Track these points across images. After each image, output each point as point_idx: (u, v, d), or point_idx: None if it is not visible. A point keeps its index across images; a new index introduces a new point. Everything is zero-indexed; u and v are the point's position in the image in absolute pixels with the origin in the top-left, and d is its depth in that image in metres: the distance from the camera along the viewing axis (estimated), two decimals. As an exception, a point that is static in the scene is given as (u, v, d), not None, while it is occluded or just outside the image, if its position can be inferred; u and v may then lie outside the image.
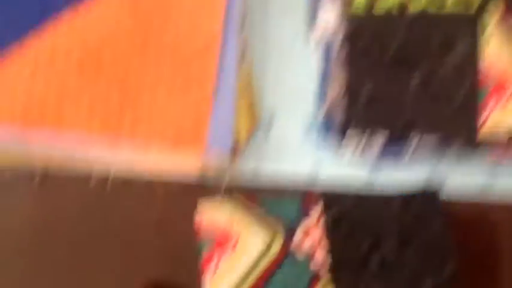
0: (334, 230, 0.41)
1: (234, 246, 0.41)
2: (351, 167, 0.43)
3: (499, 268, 0.42)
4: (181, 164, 0.42)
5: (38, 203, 0.44)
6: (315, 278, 0.41)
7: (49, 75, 0.42)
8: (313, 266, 0.41)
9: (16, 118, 0.41)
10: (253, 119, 0.44)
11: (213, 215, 0.42)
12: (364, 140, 0.42)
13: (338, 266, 0.40)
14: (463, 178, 0.43)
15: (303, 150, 0.44)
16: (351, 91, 0.42)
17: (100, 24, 0.42)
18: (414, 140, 0.41)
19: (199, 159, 0.42)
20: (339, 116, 0.42)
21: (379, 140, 0.42)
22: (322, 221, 0.41)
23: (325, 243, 0.41)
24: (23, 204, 0.44)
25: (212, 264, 0.41)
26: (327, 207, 0.42)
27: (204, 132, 0.42)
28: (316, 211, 0.42)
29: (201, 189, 0.43)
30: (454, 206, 0.42)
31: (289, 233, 0.41)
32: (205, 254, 0.41)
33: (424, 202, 0.41)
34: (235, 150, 0.42)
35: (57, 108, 0.41)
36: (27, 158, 0.42)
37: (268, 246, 0.41)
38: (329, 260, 0.40)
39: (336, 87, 0.42)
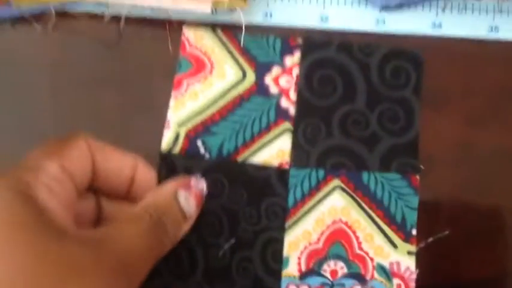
0: (308, 76, 0.40)
1: (210, 72, 0.41)
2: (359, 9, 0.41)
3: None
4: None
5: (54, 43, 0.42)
6: (282, 114, 0.39)
7: None
8: (284, 103, 0.40)
9: None
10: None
11: (196, 41, 0.41)
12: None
13: (303, 114, 0.39)
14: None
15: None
16: None
17: None
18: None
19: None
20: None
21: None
22: (300, 65, 0.40)
23: (298, 87, 0.40)
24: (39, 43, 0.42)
25: (183, 86, 0.41)
26: (306, 52, 0.40)
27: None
28: (296, 54, 0.40)
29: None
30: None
31: (266, 68, 0.40)
32: (179, 74, 0.41)
33: (406, 60, 0.40)
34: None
35: None
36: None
37: (243, 77, 0.40)
38: (296, 106, 0.40)
39: None
